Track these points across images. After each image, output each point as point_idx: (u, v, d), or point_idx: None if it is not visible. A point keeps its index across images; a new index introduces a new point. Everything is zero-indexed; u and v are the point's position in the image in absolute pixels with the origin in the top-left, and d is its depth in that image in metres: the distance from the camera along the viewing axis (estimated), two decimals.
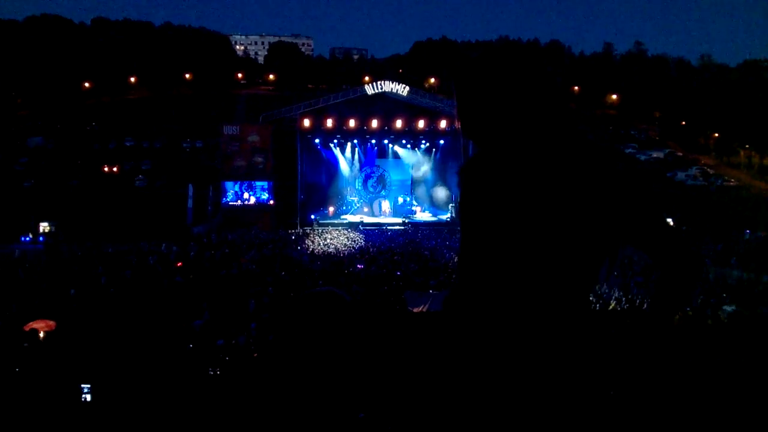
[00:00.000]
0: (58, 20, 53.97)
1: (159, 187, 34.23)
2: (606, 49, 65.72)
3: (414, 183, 36.70)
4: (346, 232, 28.29)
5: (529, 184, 1.22)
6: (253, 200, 32.63)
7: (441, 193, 35.99)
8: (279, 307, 9.61)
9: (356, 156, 35.53)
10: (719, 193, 36.76)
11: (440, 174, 35.85)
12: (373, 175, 36.38)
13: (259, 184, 32.54)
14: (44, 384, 5.63)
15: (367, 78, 46.71)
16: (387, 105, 34.34)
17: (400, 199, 36.59)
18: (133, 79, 51.83)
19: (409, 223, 32.46)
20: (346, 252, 20.06)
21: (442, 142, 34.84)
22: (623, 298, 10.80)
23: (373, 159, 35.98)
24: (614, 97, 56.07)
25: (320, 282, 12.31)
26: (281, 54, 62.33)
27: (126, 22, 58.37)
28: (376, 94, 33.99)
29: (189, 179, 31.45)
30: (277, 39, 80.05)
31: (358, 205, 35.99)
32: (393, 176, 36.54)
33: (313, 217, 33.16)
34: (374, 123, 33.57)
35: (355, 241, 23.67)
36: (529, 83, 1.28)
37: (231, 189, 32.50)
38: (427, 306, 8.72)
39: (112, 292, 11.30)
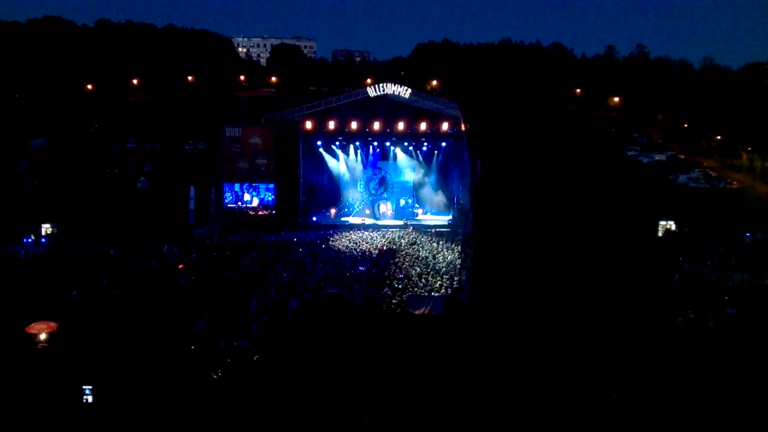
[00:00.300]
0: (61, 22, 54.05)
1: (161, 188, 34.21)
2: (608, 51, 65.55)
3: (416, 185, 36.71)
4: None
5: (538, 202, 1.23)
6: (256, 202, 32.65)
7: (443, 195, 35.96)
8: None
9: (358, 158, 35.55)
10: (721, 195, 36.65)
11: (442, 176, 35.83)
12: (374, 177, 36.39)
13: (262, 185, 32.60)
14: (46, 385, 5.63)
15: (369, 80, 46.64)
16: (389, 107, 34.35)
17: (402, 201, 36.58)
18: (135, 81, 51.89)
19: (410, 225, 32.46)
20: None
21: (444, 144, 34.82)
22: None
23: (375, 161, 36.00)
24: (616, 99, 55.92)
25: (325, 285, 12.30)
26: (283, 56, 62.33)
27: (129, 25, 58.43)
28: (378, 97, 34.02)
29: (191, 181, 31.43)
30: (279, 41, 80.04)
31: (359, 207, 35.99)
32: (394, 178, 36.54)
33: (314, 218, 33.17)
34: (376, 125, 33.59)
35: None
36: (532, 98, 1.29)
37: (232, 191, 32.55)
38: (428, 308, 8.71)
39: (114, 294, 11.31)
